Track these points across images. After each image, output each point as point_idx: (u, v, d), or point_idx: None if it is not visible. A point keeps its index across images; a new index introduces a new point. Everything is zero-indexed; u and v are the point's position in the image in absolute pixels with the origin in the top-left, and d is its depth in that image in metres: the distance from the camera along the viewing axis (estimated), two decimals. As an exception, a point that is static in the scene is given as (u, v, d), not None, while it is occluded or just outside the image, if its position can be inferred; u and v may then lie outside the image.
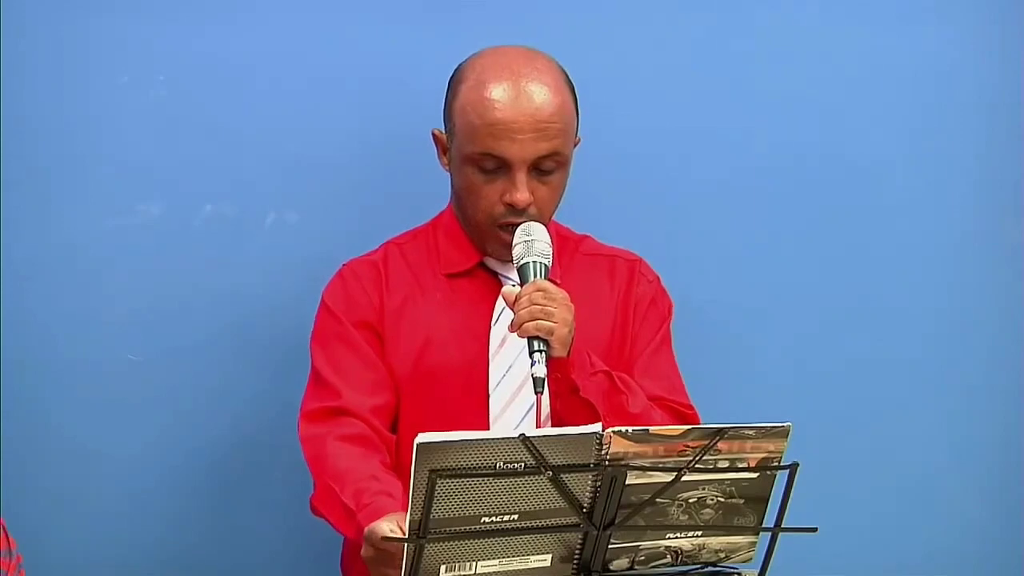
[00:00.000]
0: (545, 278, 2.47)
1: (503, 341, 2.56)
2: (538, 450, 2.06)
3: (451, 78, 2.60)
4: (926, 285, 3.12)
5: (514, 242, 2.51)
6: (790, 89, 3.05)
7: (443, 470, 2.03)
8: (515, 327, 2.42)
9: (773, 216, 3.05)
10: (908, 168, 3.11)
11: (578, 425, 2.42)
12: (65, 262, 2.75)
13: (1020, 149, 3.15)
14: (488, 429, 2.52)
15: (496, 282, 2.61)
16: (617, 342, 2.61)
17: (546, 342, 2.40)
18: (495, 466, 2.06)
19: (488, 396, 2.55)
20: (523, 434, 2.05)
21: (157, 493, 2.79)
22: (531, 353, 2.40)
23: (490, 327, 2.58)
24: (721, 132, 3.02)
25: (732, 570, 2.26)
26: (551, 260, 2.51)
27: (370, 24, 2.87)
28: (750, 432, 2.15)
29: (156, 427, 2.78)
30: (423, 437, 2.03)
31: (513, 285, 2.53)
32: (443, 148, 2.62)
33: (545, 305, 2.41)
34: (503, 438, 2.06)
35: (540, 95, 2.52)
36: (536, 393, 2.37)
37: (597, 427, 2.10)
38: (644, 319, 2.65)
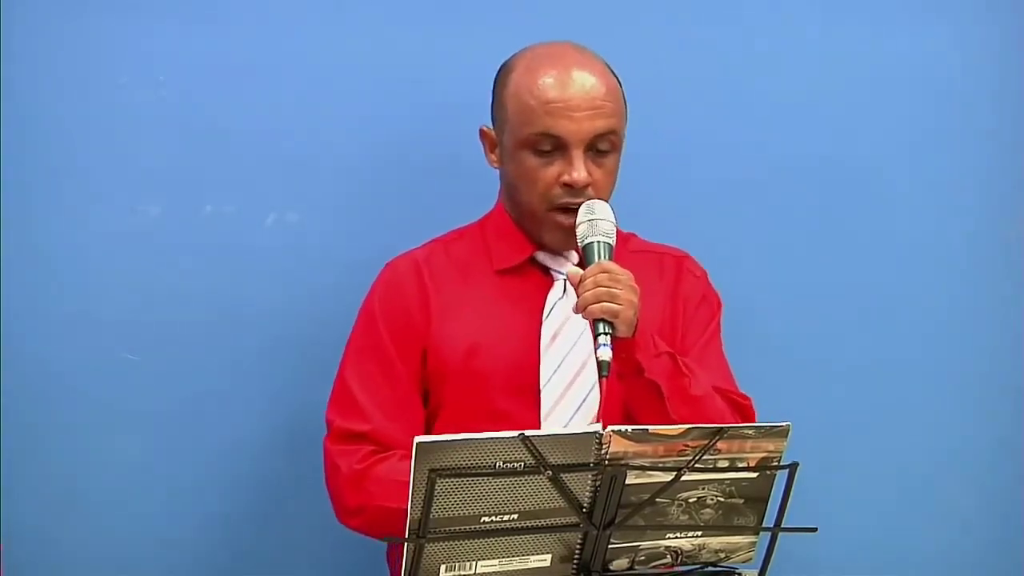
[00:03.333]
0: (609, 259, 2.45)
1: (554, 337, 2.54)
2: (538, 450, 2.06)
3: (498, 72, 2.60)
4: (926, 285, 3.11)
5: (577, 220, 2.49)
6: (790, 91, 3.05)
7: (443, 469, 2.03)
8: (580, 308, 2.39)
9: (771, 216, 3.05)
10: (909, 169, 3.11)
11: (641, 407, 2.42)
12: (65, 262, 2.74)
13: (1022, 150, 3.15)
14: (539, 427, 2.49)
15: (547, 279, 2.59)
16: (666, 338, 2.55)
17: (611, 324, 2.37)
18: (495, 465, 2.06)
19: (539, 393, 2.52)
20: (522, 433, 2.05)
21: (156, 494, 2.79)
22: (596, 336, 2.37)
23: (541, 323, 2.56)
24: (723, 135, 3.02)
25: (732, 570, 2.26)
26: (615, 240, 2.48)
27: (370, 24, 2.86)
28: (750, 432, 2.15)
29: (155, 427, 2.78)
30: (422, 437, 2.03)
31: (564, 279, 2.54)
32: (491, 144, 2.61)
33: (610, 287, 2.38)
34: (503, 437, 2.06)
35: (591, 78, 2.54)
36: (601, 377, 2.34)
37: (597, 427, 2.10)
38: (694, 316, 2.63)
